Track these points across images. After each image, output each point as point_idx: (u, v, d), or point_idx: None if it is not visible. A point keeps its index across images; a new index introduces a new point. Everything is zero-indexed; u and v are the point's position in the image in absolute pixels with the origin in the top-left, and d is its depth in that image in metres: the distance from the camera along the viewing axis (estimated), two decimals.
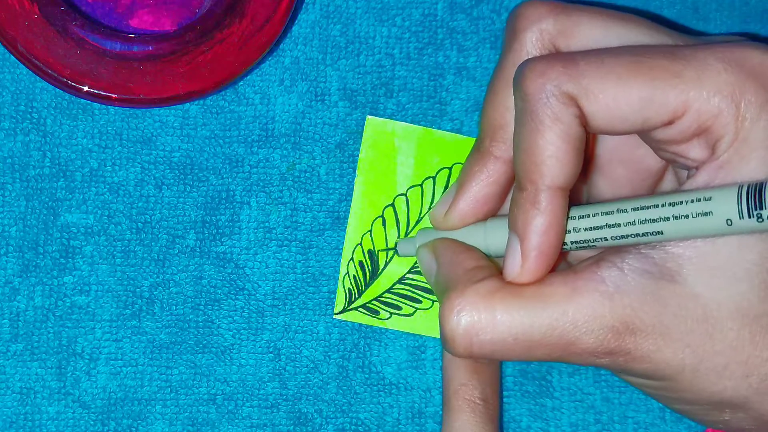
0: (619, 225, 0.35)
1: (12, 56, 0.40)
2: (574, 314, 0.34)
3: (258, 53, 0.39)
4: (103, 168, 0.42)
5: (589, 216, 0.35)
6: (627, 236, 0.34)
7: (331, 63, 0.43)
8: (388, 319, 0.43)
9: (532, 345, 0.34)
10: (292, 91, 0.43)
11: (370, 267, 0.43)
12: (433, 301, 0.43)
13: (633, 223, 0.34)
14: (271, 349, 0.42)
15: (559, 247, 0.35)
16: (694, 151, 0.34)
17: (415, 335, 0.43)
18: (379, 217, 0.43)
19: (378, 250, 0.43)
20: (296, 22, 0.43)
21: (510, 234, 0.35)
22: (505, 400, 0.43)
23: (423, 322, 0.43)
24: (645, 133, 0.35)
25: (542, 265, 0.35)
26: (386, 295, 0.43)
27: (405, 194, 0.43)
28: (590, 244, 0.35)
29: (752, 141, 0.33)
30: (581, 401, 0.43)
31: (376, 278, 0.43)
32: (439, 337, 0.43)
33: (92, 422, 0.42)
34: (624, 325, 0.34)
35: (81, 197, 0.42)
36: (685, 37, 0.36)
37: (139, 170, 0.42)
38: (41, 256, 0.42)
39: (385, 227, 0.43)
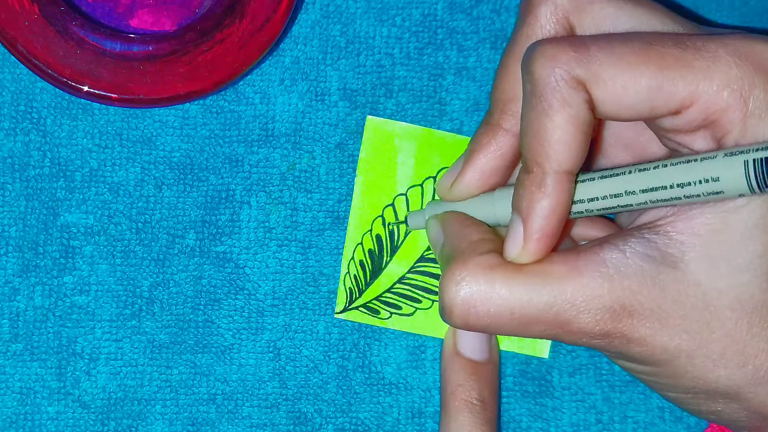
0: (631, 206, 0.35)
1: (12, 56, 0.40)
2: (573, 293, 0.34)
3: (258, 53, 0.39)
4: (103, 168, 0.42)
5: (597, 199, 0.35)
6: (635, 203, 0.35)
7: (331, 63, 0.43)
8: (388, 318, 0.43)
9: (528, 321, 0.34)
10: (292, 90, 0.43)
11: (370, 266, 0.43)
12: (433, 301, 0.43)
13: (645, 204, 0.34)
14: (271, 349, 0.42)
15: (561, 230, 0.35)
16: (699, 142, 0.34)
17: (415, 335, 0.43)
18: (379, 216, 0.43)
19: (388, 223, 0.42)
20: (296, 22, 0.43)
21: (513, 214, 0.35)
22: (505, 400, 0.43)
23: (423, 322, 0.43)
24: (651, 121, 0.35)
25: (543, 247, 0.35)
26: (386, 294, 0.43)
27: (405, 194, 0.43)
28: (593, 214, 0.36)
29: (758, 139, 0.33)
30: (582, 401, 0.43)
31: (377, 278, 0.43)
32: (439, 337, 0.43)
33: (92, 422, 0.42)
34: (622, 307, 0.34)
35: (81, 197, 0.42)
36: (697, 26, 0.36)
37: (139, 170, 0.42)
38: (41, 256, 0.42)
39: (385, 227, 0.43)
